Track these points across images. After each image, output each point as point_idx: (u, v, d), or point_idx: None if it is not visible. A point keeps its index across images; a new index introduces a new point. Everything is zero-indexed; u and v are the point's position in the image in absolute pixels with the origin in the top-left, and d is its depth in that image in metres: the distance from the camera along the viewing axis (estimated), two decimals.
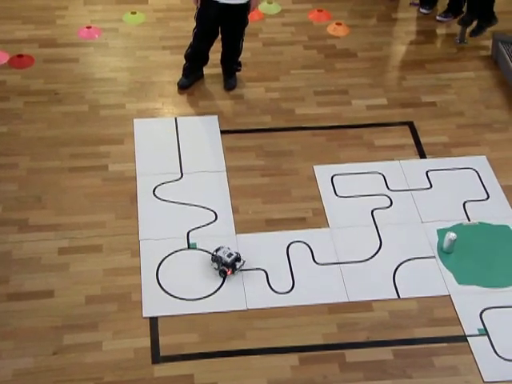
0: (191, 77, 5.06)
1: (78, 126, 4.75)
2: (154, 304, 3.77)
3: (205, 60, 5.04)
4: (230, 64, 5.06)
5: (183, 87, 5.03)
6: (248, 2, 4.66)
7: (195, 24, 4.83)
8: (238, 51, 4.99)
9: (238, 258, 3.88)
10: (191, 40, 4.93)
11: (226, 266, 3.86)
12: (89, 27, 5.53)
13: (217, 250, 3.90)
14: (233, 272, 3.88)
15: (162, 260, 3.99)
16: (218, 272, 3.89)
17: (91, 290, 3.82)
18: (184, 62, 5.05)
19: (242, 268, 3.92)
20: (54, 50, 5.35)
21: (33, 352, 3.55)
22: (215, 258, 3.89)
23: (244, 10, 4.70)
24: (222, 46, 4.97)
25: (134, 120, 4.80)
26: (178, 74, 5.15)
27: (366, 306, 3.82)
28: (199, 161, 4.56)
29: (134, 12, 5.71)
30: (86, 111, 4.86)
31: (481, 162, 4.62)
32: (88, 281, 3.87)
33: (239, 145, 4.68)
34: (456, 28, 5.63)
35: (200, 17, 4.75)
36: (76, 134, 4.69)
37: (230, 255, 3.86)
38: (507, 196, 4.39)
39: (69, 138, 4.66)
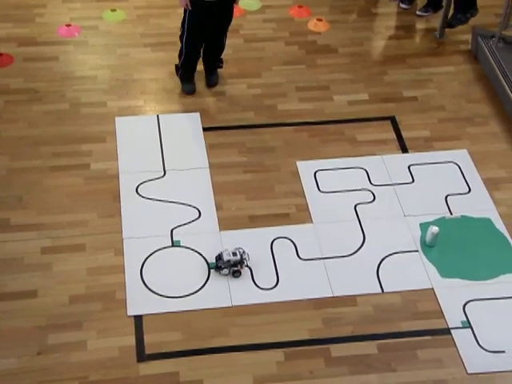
0: (193, 78, 4.97)
1: (59, 125, 4.72)
2: (138, 302, 3.77)
3: (198, 58, 4.95)
4: (213, 61, 5.04)
5: (192, 91, 4.94)
6: None
7: (184, 31, 4.69)
8: (222, 48, 4.97)
9: (241, 252, 3.87)
10: (182, 48, 4.81)
11: (236, 265, 3.85)
12: (68, 25, 5.49)
13: (219, 258, 3.87)
14: (243, 267, 3.86)
15: (146, 258, 3.97)
16: (229, 276, 3.87)
17: (75, 289, 3.80)
18: (179, 70, 4.94)
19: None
20: (33, 49, 5.31)
21: (17, 352, 3.53)
22: (222, 265, 3.85)
23: (230, 5, 4.68)
24: (206, 44, 4.93)
25: (116, 118, 4.78)
26: (159, 71, 5.14)
27: (350, 300, 3.84)
28: (182, 158, 4.55)
29: (114, 9, 5.68)
30: (67, 110, 4.83)
31: (462, 155, 4.65)
32: (71, 280, 3.85)
33: (222, 141, 4.68)
34: (436, 23, 5.66)
35: (192, 22, 4.62)
36: (57, 132, 4.66)
37: (234, 254, 3.84)
38: (488, 189, 4.43)
39: (50, 137, 4.63)
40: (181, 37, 4.79)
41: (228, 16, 4.75)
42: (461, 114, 4.96)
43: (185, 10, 4.64)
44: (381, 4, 5.93)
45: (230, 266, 3.85)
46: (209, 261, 3.97)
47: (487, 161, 4.63)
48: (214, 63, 5.05)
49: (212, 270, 3.92)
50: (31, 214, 4.16)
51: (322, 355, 3.59)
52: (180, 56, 4.89)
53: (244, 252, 3.89)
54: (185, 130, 4.76)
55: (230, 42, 5.15)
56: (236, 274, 3.87)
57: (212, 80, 5.04)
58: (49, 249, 3.99)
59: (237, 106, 4.94)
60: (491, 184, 4.46)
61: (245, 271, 3.90)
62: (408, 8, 5.84)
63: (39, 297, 3.77)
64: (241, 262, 3.86)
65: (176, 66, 4.99)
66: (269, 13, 5.78)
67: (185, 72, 4.96)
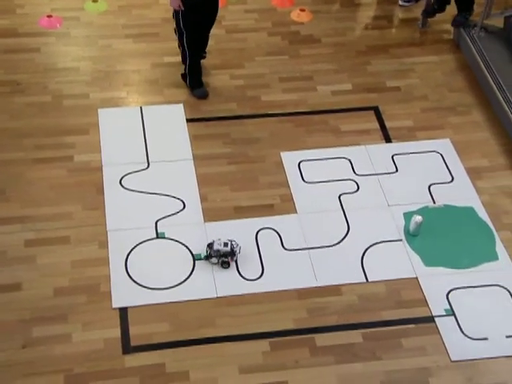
0: (202, 82, 4.89)
1: (42, 117, 4.68)
2: (123, 294, 3.76)
3: (202, 55, 4.88)
4: (201, 53, 4.95)
5: (206, 95, 4.86)
6: None
7: (182, 32, 4.62)
8: (207, 40, 4.92)
9: (233, 244, 3.87)
10: (184, 50, 4.72)
11: (226, 256, 3.84)
12: (49, 16, 5.44)
13: (210, 246, 3.87)
14: (233, 259, 3.87)
15: (131, 250, 3.97)
16: (218, 265, 3.87)
17: (59, 281, 3.79)
18: (187, 78, 4.86)
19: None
20: (14, 40, 5.26)
21: (1, 346, 3.52)
22: (212, 254, 3.85)
23: None
24: None
25: (99, 110, 4.76)
26: (141, 63, 5.12)
27: (334, 290, 3.86)
28: (166, 150, 4.54)
29: (96, 0, 5.63)
30: (50, 101, 4.80)
31: (445, 145, 4.68)
32: (56, 273, 3.83)
33: (205, 133, 4.67)
34: (418, 12, 5.67)
35: (187, 21, 4.56)
36: (39, 124, 4.63)
37: (225, 244, 3.84)
38: (471, 178, 4.46)
39: (32, 129, 4.59)
40: (180, 40, 4.71)
41: (215, 9, 4.71)
42: (443, 103, 4.98)
43: (176, 13, 4.57)
44: None
45: (220, 256, 3.85)
46: (194, 252, 3.97)
47: (470, 150, 4.66)
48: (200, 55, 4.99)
49: (197, 261, 3.92)
50: (14, 207, 4.13)
51: (307, 345, 3.61)
52: (184, 60, 4.81)
53: (237, 245, 3.89)
54: (168, 121, 4.74)
55: (212, 32, 5.10)
56: (224, 264, 3.87)
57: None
58: (33, 241, 3.97)
59: (220, 97, 4.93)
60: (474, 173, 4.49)
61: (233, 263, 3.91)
62: None
63: (23, 290, 3.75)
64: (231, 254, 3.85)
65: (182, 75, 4.91)
66: (251, 3, 5.76)
67: (193, 78, 4.86)
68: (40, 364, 3.46)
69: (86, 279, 3.81)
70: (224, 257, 3.86)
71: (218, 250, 3.84)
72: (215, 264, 3.88)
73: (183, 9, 4.51)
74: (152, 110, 4.80)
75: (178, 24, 4.63)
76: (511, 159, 4.61)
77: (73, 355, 3.50)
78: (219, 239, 3.89)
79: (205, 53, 5.05)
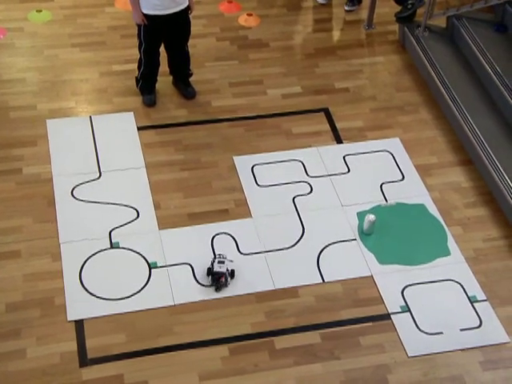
0: (153, 89, 4.87)
1: None
2: (78, 307, 3.71)
3: (158, 66, 4.83)
4: (185, 71, 4.91)
5: (153, 103, 4.83)
6: (188, 4, 4.57)
7: (142, 42, 4.60)
8: (187, 58, 4.85)
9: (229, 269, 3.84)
10: (141, 59, 4.70)
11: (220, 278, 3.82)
12: None
13: (211, 272, 3.83)
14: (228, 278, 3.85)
15: (85, 261, 3.91)
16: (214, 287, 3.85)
17: (11, 296, 3.71)
18: (139, 82, 4.83)
19: (169, 264, 3.92)
20: None
21: None
22: (215, 277, 3.83)
23: (185, 15, 4.60)
24: (172, 57, 4.80)
25: (47, 120, 4.68)
26: (89, 72, 5.06)
27: (292, 292, 3.87)
28: (117, 158, 4.49)
29: (40, 10, 5.55)
30: None
31: (394, 143, 4.74)
32: (7, 288, 3.76)
33: (157, 140, 4.64)
34: (364, 14, 5.75)
35: (147, 34, 4.54)
36: None
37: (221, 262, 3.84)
38: (421, 175, 4.53)
39: None
40: (139, 47, 4.68)
41: (185, 26, 4.66)
42: (392, 103, 5.05)
43: (138, 24, 4.54)
44: None
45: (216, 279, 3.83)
46: (149, 260, 3.94)
47: (419, 148, 4.73)
48: (186, 73, 4.92)
49: (153, 270, 3.89)
50: None
51: (267, 348, 3.62)
52: (139, 67, 4.77)
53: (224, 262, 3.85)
54: (119, 130, 4.70)
55: None
56: (219, 285, 3.84)
57: (190, 92, 4.91)
58: None
59: (170, 103, 4.91)
60: (423, 170, 4.57)
61: (184, 270, 3.89)
62: (325, 3, 5.86)
63: None
64: (231, 274, 3.84)
65: (136, 78, 4.87)
66: (198, 9, 5.70)
67: (145, 84, 4.83)
68: None
69: (39, 293, 3.75)
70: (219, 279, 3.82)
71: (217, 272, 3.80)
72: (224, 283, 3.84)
73: (147, 23, 4.48)
74: (102, 119, 4.75)
75: (138, 34, 4.62)
76: (459, 156, 4.70)
77: (28, 371, 3.43)
78: (220, 255, 3.86)
79: (190, 70, 4.93)
